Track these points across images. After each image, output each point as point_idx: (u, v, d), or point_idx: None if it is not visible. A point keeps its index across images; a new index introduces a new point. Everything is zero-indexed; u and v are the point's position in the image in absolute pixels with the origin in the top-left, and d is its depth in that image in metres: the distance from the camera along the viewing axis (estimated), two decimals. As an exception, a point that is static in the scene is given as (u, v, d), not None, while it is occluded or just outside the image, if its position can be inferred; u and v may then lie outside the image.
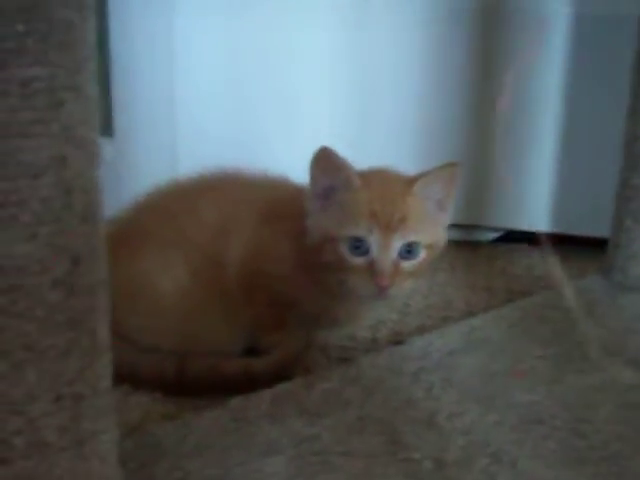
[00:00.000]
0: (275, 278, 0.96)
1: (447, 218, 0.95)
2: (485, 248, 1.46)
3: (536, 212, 1.45)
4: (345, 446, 0.80)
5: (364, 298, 0.93)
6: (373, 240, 0.89)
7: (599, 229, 1.33)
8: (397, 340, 1.11)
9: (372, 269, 0.89)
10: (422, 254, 0.92)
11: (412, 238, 0.90)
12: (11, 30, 0.50)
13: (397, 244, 0.90)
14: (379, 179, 0.93)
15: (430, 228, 0.93)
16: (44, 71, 0.52)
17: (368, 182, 0.91)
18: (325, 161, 0.90)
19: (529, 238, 1.47)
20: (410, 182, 0.92)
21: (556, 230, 1.44)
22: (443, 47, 1.40)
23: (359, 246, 0.90)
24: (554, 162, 1.43)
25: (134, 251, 0.97)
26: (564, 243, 1.46)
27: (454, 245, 1.47)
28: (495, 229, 1.48)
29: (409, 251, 0.91)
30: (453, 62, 1.40)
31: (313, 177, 0.92)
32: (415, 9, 1.38)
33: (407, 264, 0.91)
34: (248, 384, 0.92)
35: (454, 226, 1.47)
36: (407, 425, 0.84)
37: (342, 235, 0.90)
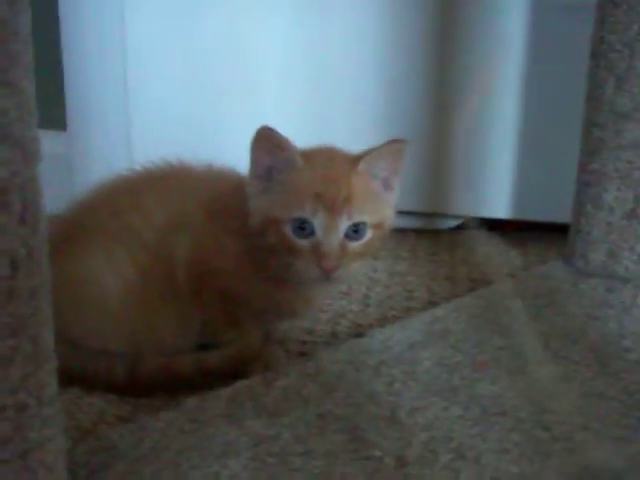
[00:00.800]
0: (222, 274, 0.93)
1: (394, 196, 0.92)
2: (446, 236, 1.45)
3: (496, 199, 1.43)
4: (305, 446, 0.78)
5: (311, 282, 0.90)
6: (318, 221, 0.86)
7: (560, 215, 1.32)
8: (358, 333, 1.09)
9: (318, 251, 0.87)
10: (369, 234, 0.89)
11: (358, 218, 0.88)
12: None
13: (343, 225, 0.87)
14: (323, 158, 0.90)
15: (377, 207, 0.90)
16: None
17: (311, 161, 0.89)
18: (266, 140, 0.87)
19: (489, 225, 1.46)
20: (355, 160, 0.89)
21: (516, 217, 1.43)
22: (401, 32, 1.38)
23: (304, 227, 0.87)
24: (514, 149, 1.41)
25: (78, 249, 0.93)
26: (524, 229, 1.45)
27: (415, 233, 1.46)
28: (455, 217, 1.46)
29: (355, 231, 0.88)
30: (411, 44, 1.38)
31: (254, 157, 0.89)
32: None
33: (354, 245, 0.88)
34: (203, 381, 0.89)
35: (414, 214, 1.46)
36: (368, 422, 0.82)
37: (286, 217, 0.87)
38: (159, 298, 0.93)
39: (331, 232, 0.86)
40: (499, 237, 1.44)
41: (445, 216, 1.47)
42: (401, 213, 1.37)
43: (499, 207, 1.44)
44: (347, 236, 0.88)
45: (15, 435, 0.57)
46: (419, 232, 1.44)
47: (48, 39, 1.37)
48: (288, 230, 0.87)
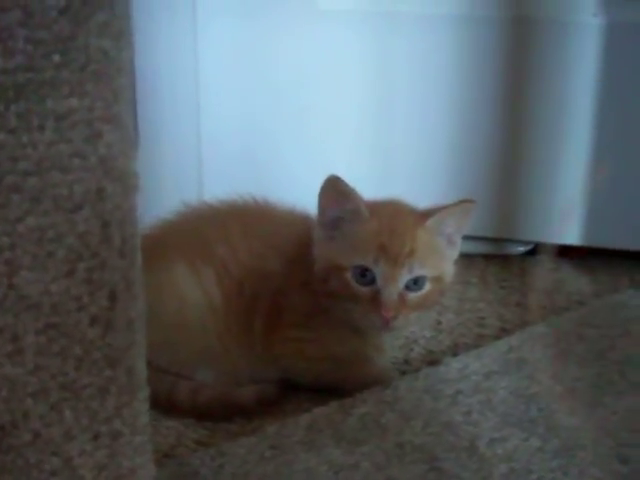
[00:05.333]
0: (295, 329, 0.95)
1: (456, 252, 0.95)
2: (515, 262, 1.44)
3: (567, 225, 1.42)
4: (385, 475, 0.78)
5: (370, 329, 0.93)
6: (379, 271, 0.89)
7: (632, 243, 1.30)
8: (430, 360, 1.09)
9: (377, 300, 0.88)
10: (428, 287, 0.91)
11: (419, 272, 0.90)
12: (47, 61, 0.48)
13: (403, 277, 0.89)
14: (389, 211, 0.93)
15: (438, 262, 0.93)
16: (81, 102, 0.50)
17: (377, 213, 0.91)
18: (334, 190, 0.90)
19: (559, 251, 1.45)
20: (422, 216, 0.92)
21: (587, 244, 1.41)
22: (470, 50, 1.38)
23: (365, 275, 0.89)
24: (586, 173, 1.40)
25: (165, 265, 0.95)
26: (595, 256, 1.44)
27: (484, 259, 1.45)
28: (525, 242, 1.45)
29: (415, 283, 0.90)
30: (481, 71, 1.38)
31: (321, 206, 0.92)
32: (440, 35, 1.36)
33: (412, 296, 0.91)
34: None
35: (484, 239, 1.45)
36: (447, 452, 0.82)
37: (348, 264, 0.89)
38: (238, 329, 0.94)
39: (391, 282, 0.89)
40: (569, 263, 1.43)
41: (514, 241, 1.46)
42: (470, 238, 1.38)
43: (570, 233, 1.42)
44: (407, 287, 0.90)
45: (110, 463, 0.58)
46: (488, 257, 1.44)
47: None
48: (350, 277, 0.89)
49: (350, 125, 1.43)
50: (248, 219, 1.01)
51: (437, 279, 0.92)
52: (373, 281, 0.89)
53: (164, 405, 0.92)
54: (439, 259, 0.93)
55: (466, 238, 1.34)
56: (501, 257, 1.46)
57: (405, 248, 0.89)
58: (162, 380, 0.92)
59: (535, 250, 1.46)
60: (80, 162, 0.51)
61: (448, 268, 0.95)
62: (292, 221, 1.00)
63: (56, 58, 0.48)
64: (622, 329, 1.10)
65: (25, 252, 0.50)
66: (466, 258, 1.40)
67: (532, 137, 1.39)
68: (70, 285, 0.53)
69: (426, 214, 0.93)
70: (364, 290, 0.90)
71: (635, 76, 1.34)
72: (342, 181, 0.89)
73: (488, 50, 1.36)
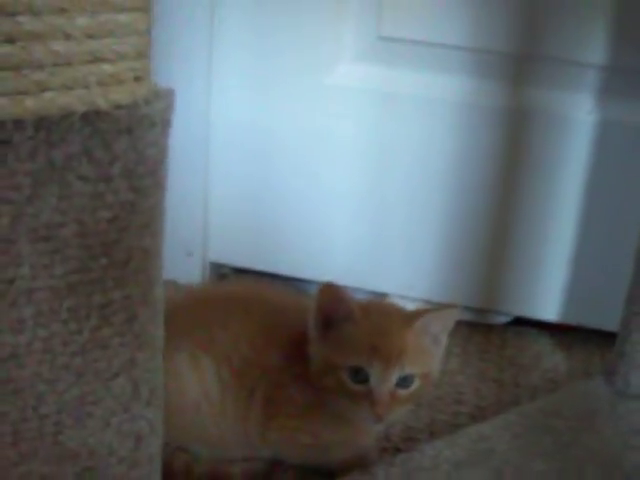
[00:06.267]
0: (292, 420, 1.04)
1: (441, 350, 1.03)
2: (496, 332, 1.53)
3: (547, 301, 1.52)
4: None
5: (363, 423, 1.02)
6: (372, 371, 0.97)
7: (608, 323, 1.40)
8: (408, 437, 1.19)
9: (370, 397, 0.97)
10: (417, 383, 1.00)
11: (408, 371, 0.98)
12: (95, 263, 0.57)
13: (394, 376, 0.98)
14: (380, 313, 1.02)
15: (426, 360, 1.01)
16: (122, 293, 0.59)
17: (369, 315, 1.00)
18: (329, 295, 0.99)
19: (539, 324, 1.55)
20: (410, 318, 1.01)
21: (565, 321, 1.51)
22: (467, 136, 1.47)
23: (359, 374, 0.98)
24: (570, 254, 1.49)
25: (166, 351, 1.04)
26: (572, 331, 1.54)
27: (468, 326, 1.55)
28: (506, 314, 1.55)
29: (405, 380, 0.99)
30: (476, 156, 1.47)
31: (317, 308, 1.00)
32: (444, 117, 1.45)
33: (402, 392, 0.99)
34: None
35: (467, 308, 1.55)
36: None
37: (343, 364, 0.98)
38: (234, 417, 1.03)
39: (383, 381, 0.97)
40: (547, 337, 1.53)
41: (497, 312, 1.56)
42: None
43: (549, 309, 1.52)
44: (397, 385, 0.99)
45: None
46: (471, 325, 1.54)
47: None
48: (345, 375, 0.98)
49: (347, 191, 1.52)
50: (250, 307, 1.08)
51: (425, 375, 1.01)
52: (367, 380, 0.98)
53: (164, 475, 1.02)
54: (427, 357, 1.02)
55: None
56: (484, 326, 1.56)
57: (395, 348, 0.98)
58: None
59: (517, 320, 1.57)
60: (118, 340, 0.60)
61: (435, 364, 1.04)
62: (292, 312, 1.08)
63: (103, 260, 0.58)
64: (587, 422, 1.20)
65: (69, 415, 0.59)
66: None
67: (520, 219, 1.49)
68: (104, 436, 0.62)
69: (414, 316, 1.01)
70: (358, 388, 0.98)
71: (623, 171, 1.43)
72: (337, 287, 0.98)
73: (484, 137, 1.46)
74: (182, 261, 1.57)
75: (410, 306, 1.08)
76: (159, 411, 0.67)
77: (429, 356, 1.02)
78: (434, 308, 1.04)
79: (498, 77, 1.44)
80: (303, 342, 1.03)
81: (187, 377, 1.03)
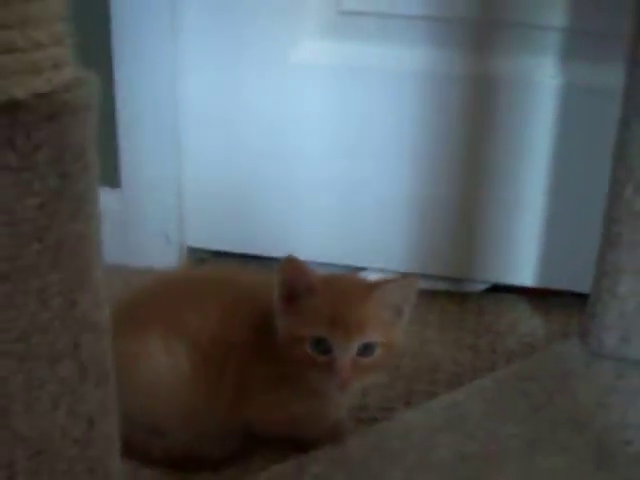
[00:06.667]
0: (262, 396, 1.07)
1: (404, 321, 1.05)
2: (474, 300, 1.55)
3: (523, 266, 1.53)
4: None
5: (328, 392, 1.03)
6: (334, 341, 0.99)
7: (583, 286, 1.41)
8: (385, 407, 1.21)
9: (333, 366, 0.99)
10: (378, 352, 1.01)
11: (368, 339, 1.00)
12: (27, 249, 0.58)
13: (355, 344, 0.99)
14: (340, 285, 1.04)
15: (386, 330, 1.02)
16: (58, 277, 0.61)
17: (330, 287, 1.02)
18: (290, 268, 1.01)
19: (517, 290, 1.56)
20: (370, 288, 1.02)
21: (542, 284, 1.52)
22: (433, 105, 1.48)
23: (322, 345, 1.00)
24: (542, 218, 1.51)
25: (136, 334, 1.06)
26: (550, 295, 1.55)
27: (445, 295, 1.56)
28: (483, 282, 1.56)
29: (366, 349, 1.00)
30: (444, 124, 1.48)
31: (279, 281, 1.02)
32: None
33: (364, 360, 1.01)
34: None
35: (444, 278, 1.57)
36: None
37: (307, 335, 1.00)
38: (206, 396, 1.05)
39: (345, 350, 0.99)
40: (526, 303, 1.54)
41: (474, 280, 1.57)
42: (432, 277, 1.50)
43: (526, 274, 1.53)
44: (359, 353, 1.00)
45: None
46: (449, 294, 1.55)
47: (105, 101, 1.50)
48: (308, 347, 1.00)
49: (318, 168, 1.53)
50: (218, 288, 1.10)
51: (387, 345, 1.03)
52: (330, 349, 1.00)
53: (141, 458, 1.04)
54: (387, 326, 1.03)
55: (428, 276, 1.46)
56: (461, 294, 1.57)
57: (355, 318, 1.00)
58: (138, 438, 1.04)
59: (494, 288, 1.58)
60: (59, 324, 0.61)
61: (397, 335, 1.05)
62: (260, 289, 1.10)
63: (36, 246, 0.59)
64: (561, 384, 1.22)
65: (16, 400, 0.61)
66: (428, 295, 1.52)
67: (491, 185, 1.50)
68: (55, 418, 0.64)
69: (373, 287, 1.03)
70: (322, 358, 1.00)
71: (589, 133, 1.44)
72: (297, 260, 1.00)
73: (452, 105, 1.47)
74: (159, 247, 1.58)
75: (375, 277, 1.09)
76: (111, 391, 0.69)
77: (390, 325, 1.04)
78: (394, 279, 1.05)
79: (462, 45, 1.45)
80: (271, 317, 1.04)
81: (160, 360, 1.05)
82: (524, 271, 1.54)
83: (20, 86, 0.52)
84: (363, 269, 1.58)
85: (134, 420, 1.02)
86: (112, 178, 1.56)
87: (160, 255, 1.58)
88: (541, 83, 1.43)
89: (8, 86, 0.52)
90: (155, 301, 1.10)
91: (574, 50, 1.41)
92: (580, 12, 1.39)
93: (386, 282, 1.04)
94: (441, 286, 1.56)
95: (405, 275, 1.05)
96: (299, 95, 1.49)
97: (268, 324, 1.05)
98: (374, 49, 1.46)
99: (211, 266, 1.13)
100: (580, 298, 1.42)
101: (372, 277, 1.09)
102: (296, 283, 1.01)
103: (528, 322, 1.50)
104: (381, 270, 1.55)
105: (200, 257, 1.64)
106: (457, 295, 1.56)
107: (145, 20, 1.47)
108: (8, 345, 0.59)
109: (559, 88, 1.42)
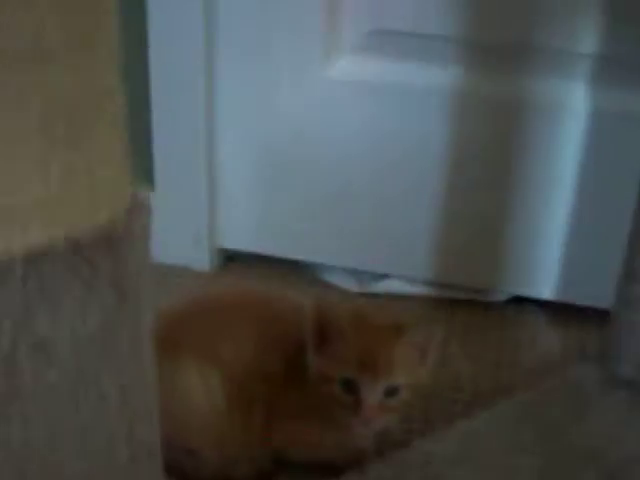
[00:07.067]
0: (293, 430, 1.12)
1: (429, 363, 1.10)
2: (496, 310, 1.58)
3: (544, 279, 1.57)
4: None
5: (353, 427, 1.09)
6: (362, 382, 1.04)
7: (603, 301, 1.44)
8: (407, 429, 1.26)
9: (360, 407, 1.05)
10: (403, 392, 1.07)
11: (395, 382, 1.06)
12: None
13: (382, 386, 1.05)
14: (368, 327, 1.08)
15: (412, 372, 1.08)
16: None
17: (358, 330, 1.06)
18: (318, 317, 1.06)
19: (537, 301, 1.60)
20: (396, 332, 1.07)
21: (562, 299, 1.56)
22: (463, 123, 1.51)
23: (350, 386, 1.05)
24: (565, 232, 1.54)
25: (172, 363, 1.10)
26: (570, 311, 1.59)
27: (467, 304, 1.60)
28: (503, 292, 1.60)
29: (392, 390, 1.06)
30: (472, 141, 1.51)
31: (309, 329, 1.07)
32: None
33: (390, 401, 1.07)
34: None
35: (467, 288, 1.61)
36: None
37: (335, 376, 1.06)
38: (239, 425, 1.10)
39: (372, 392, 1.05)
40: (544, 315, 1.58)
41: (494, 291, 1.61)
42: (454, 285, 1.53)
43: (546, 288, 1.57)
44: (385, 394, 1.06)
45: None
46: (471, 303, 1.59)
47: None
48: (337, 387, 1.06)
49: (347, 180, 1.57)
50: (250, 316, 1.14)
51: (412, 386, 1.08)
52: (357, 390, 1.05)
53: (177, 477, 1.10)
54: (413, 369, 1.09)
55: (452, 285, 1.50)
56: (484, 304, 1.61)
57: (382, 362, 1.05)
58: (171, 456, 1.09)
59: (515, 299, 1.62)
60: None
61: (422, 377, 1.11)
62: (291, 318, 1.14)
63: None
64: (577, 413, 1.25)
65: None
66: (451, 304, 1.56)
67: (517, 201, 1.53)
68: None
69: (400, 330, 1.07)
70: (349, 398, 1.06)
71: (616, 156, 1.46)
72: (324, 309, 1.06)
73: (480, 125, 1.49)
74: (190, 248, 1.62)
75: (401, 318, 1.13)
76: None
77: (415, 367, 1.09)
78: (419, 325, 1.10)
79: (494, 67, 1.47)
80: (302, 349, 1.09)
81: (195, 391, 1.10)
82: (545, 284, 1.58)
83: (81, 218, 0.56)
84: (387, 276, 1.62)
85: (168, 441, 1.08)
86: (146, 179, 1.59)
87: (190, 256, 1.62)
88: (571, 108, 1.44)
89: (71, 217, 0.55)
90: (191, 328, 1.14)
91: (605, 76, 1.43)
92: (613, 39, 1.40)
93: (413, 327, 1.08)
94: (463, 295, 1.60)
95: (428, 324, 1.09)
96: (333, 110, 1.51)
97: (300, 354, 1.10)
98: (406, 67, 1.48)
99: (237, 288, 1.17)
100: (599, 313, 1.46)
101: (398, 316, 1.13)
102: (325, 329, 1.06)
103: (547, 336, 1.54)
104: (406, 279, 1.60)
105: (230, 257, 1.68)
106: (480, 304, 1.60)
107: (179, 33, 1.50)
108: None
109: (589, 114, 1.44)
